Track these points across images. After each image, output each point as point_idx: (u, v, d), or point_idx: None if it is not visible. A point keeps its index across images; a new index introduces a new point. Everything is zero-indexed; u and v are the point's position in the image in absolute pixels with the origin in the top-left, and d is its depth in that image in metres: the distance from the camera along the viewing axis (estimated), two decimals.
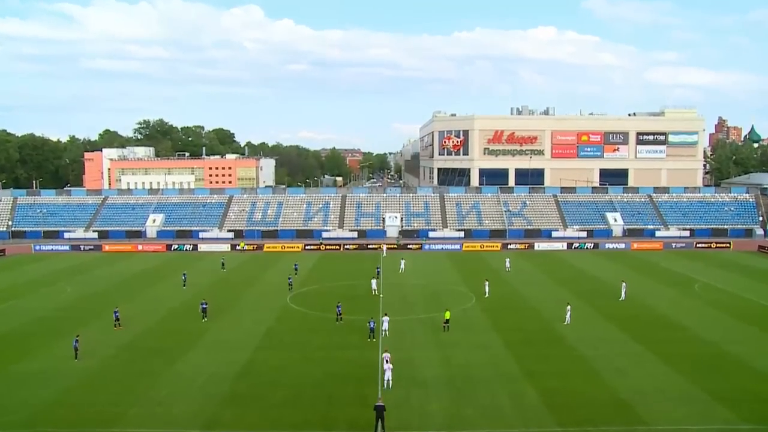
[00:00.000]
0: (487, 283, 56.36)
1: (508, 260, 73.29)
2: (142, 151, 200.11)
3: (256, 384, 33.38)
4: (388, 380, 32.31)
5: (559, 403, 30.56)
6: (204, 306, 47.81)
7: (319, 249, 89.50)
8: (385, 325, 42.03)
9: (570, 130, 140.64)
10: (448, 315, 44.42)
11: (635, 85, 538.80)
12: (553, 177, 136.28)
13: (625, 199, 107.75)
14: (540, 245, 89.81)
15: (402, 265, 70.09)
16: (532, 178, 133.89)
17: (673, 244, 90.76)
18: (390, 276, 65.82)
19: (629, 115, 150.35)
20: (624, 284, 55.11)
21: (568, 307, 46.58)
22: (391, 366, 32.70)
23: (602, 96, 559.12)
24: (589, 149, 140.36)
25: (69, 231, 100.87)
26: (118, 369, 36.14)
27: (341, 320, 45.71)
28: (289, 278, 61.21)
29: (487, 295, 54.74)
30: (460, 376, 34.54)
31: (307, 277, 66.68)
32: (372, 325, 41.32)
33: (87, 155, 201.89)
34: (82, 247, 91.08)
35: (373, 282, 56.79)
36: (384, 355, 34.05)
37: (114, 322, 45.14)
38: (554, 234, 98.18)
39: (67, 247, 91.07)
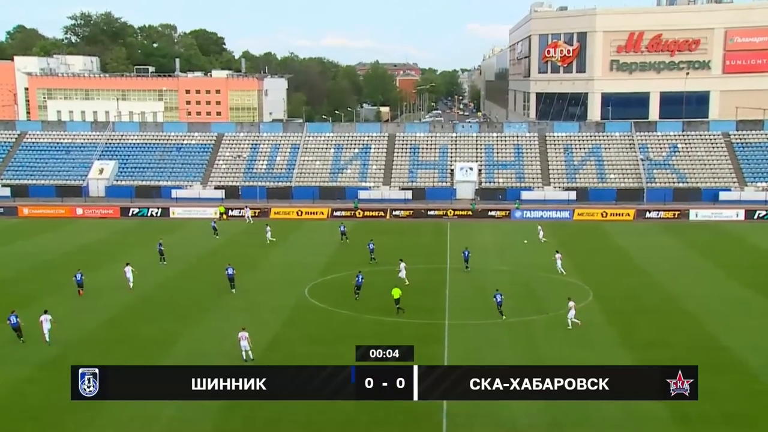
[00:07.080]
0: (558, 256, 58.24)
1: (540, 228, 76.10)
2: (79, 63, 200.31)
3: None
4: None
5: None
6: (230, 273, 55.10)
7: (355, 216, 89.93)
8: (403, 273, 54.95)
9: (758, 27, 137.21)
10: (397, 293, 47.70)
11: None
12: (725, 105, 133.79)
13: None
14: (699, 213, 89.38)
15: (268, 233, 72.97)
16: (688, 106, 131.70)
17: None
18: (434, 259, 66.57)
19: None
20: None
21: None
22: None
23: None
24: None
25: None
26: None
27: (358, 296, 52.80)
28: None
29: (562, 272, 58.31)
30: (569, 415, 33.90)
31: (334, 257, 66.84)
32: None
33: None
34: None
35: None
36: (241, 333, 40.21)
37: (77, 288, 53.45)
38: (724, 196, 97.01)
39: None
